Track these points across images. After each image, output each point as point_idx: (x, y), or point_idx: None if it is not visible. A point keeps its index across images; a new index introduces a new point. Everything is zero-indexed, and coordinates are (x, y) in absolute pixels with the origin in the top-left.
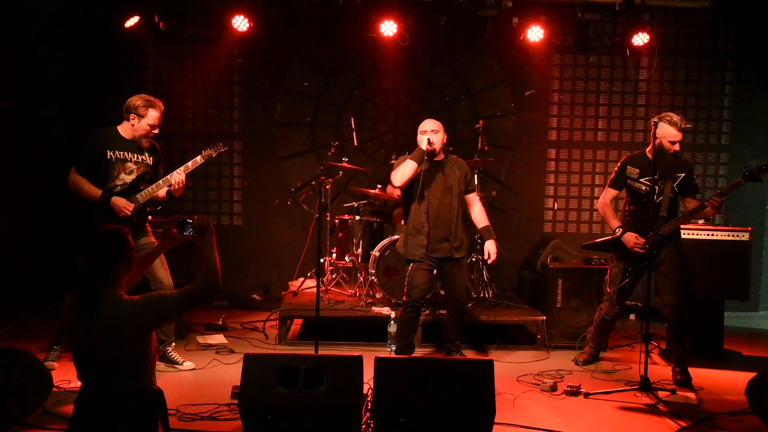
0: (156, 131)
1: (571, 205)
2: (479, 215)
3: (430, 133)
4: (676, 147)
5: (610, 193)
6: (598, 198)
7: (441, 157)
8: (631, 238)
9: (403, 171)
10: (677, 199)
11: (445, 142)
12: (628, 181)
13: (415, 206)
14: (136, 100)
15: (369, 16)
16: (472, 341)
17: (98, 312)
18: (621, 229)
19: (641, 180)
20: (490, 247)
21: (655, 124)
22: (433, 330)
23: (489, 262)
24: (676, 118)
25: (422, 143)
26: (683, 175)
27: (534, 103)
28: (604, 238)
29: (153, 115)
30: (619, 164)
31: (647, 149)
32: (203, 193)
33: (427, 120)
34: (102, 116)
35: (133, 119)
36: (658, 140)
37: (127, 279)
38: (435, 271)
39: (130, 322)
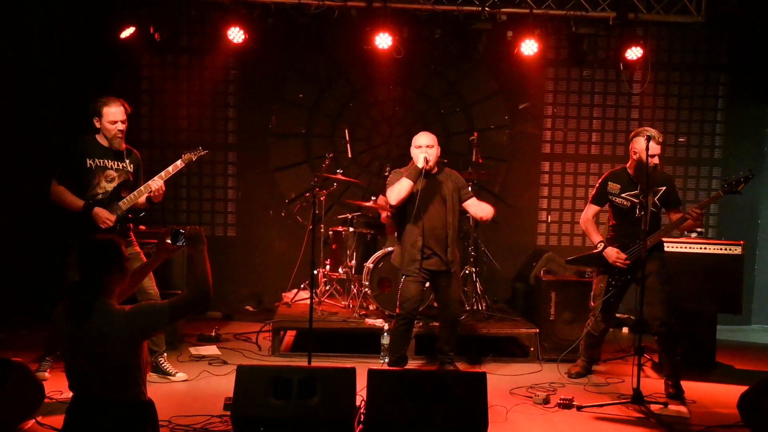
0: (122, 127)
1: (564, 218)
2: (478, 207)
3: (426, 149)
4: (655, 160)
5: (592, 209)
6: None
7: (435, 170)
8: (612, 253)
9: (399, 189)
10: (659, 212)
11: (439, 155)
12: (610, 197)
13: (410, 221)
14: (94, 103)
15: (364, 28)
16: (465, 353)
17: (90, 321)
18: (602, 244)
19: (623, 195)
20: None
21: (648, 138)
22: (426, 342)
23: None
24: (653, 131)
25: (418, 161)
26: (664, 188)
27: (528, 115)
28: (586, 253)
29: (110, 111)
30: (600, 180)
31: (627, 165)
32: (197, 204)
33: (421, 134)
34: (97, 126)
35: (96, 122)
36: (637, 155)
37: (121, 290)
38: (427, 283)
39: (122, 332)
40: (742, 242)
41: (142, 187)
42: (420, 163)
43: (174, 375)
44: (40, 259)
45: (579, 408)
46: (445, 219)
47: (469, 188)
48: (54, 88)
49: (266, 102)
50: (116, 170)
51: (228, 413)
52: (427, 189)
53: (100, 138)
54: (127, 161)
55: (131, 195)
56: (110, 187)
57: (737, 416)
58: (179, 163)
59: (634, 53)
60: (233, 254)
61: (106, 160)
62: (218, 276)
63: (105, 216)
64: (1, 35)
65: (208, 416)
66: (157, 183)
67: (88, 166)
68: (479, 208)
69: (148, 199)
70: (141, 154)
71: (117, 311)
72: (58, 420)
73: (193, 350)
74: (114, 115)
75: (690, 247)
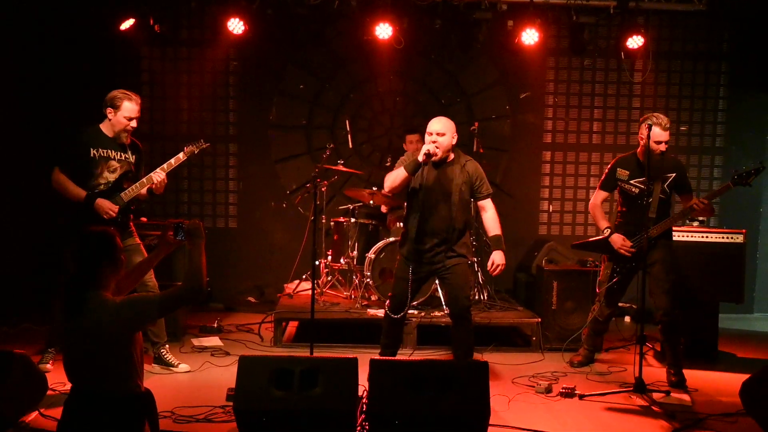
0: (134, 124)
1: (566, 208)
2: (490, 222)
3: (436, 136)
4: (663, 147)
5: (600, 195)
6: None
7: (451, 157)
8: (618, 240)
9: (394, 178)
10: (669, 199)
11: (454, 143)
12: (619, 183)
13: (410, 210)
14: (111, 94)
15: (364, 19)
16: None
17: (83, 313)
18: (609, 230)
19: (631, 182)
20: (495, 257)
21: (649, 127)
22: (428, 332)
23: (493, 273)
24: (662, 118)
25: (420, 153)
26: (674, 175)
27: (529, 105)
28: (593, 239)
29: (128, 107)
30: (609, 166)
31: (637, 150)
32: (198, 196)
33: (435, 119)
34: (96, 118)
35: (110, 113)
36: (644, 140)
37: (117, 281)
38: (413, 279)
39: (113, 323)
40: (744, 231)
41: (144, 179)
42: (420, 156)
43: (176, 366)
44: (42, 252)
45: (581, 397)
46: (449, 213)
47: (485, 186)
48: (53, 81)
49: (267, 94)
50: (119, 161)
51: (230, 404)
52: (430, 180)
53: (104, 128)
54: (130, 152)
55: (133, 186)
56: (112, 178)
57: (739, 404)
58: (181, 156)
59: (635, 42)
60: (235, 246)
61: (109, 151)
62: (220, 267)
63: (108, 207)
64: (1, 27)
65: (210, 407)
66: (159, 175)
67: (92, 155)
68: (491, 224)
69: (150, 190)
70: (141, 146)
71: (108, 303)
72: (60, 412)
73: (196, 341)
74: (132, 111)
75: (692, 236)
